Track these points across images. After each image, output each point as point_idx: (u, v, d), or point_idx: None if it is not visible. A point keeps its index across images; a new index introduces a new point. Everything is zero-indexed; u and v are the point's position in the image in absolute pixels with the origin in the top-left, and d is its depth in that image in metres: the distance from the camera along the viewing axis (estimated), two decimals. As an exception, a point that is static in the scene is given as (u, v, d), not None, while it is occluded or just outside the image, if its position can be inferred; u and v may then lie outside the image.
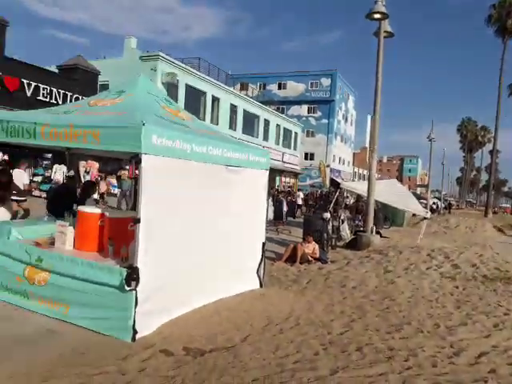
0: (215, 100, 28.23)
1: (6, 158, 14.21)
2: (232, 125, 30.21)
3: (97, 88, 19.46)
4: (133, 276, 4.07)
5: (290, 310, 5.34)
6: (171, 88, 23.77)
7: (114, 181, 16.73)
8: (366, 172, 53.59)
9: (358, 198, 18.13)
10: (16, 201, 8.96)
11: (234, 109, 30.38)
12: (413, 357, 4.07)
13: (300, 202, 23.19)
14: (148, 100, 5.29)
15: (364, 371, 3.70)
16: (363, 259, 9.36)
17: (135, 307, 4.06)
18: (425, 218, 13.88)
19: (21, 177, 9.25)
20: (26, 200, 9.24)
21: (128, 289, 4.05)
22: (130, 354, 3.73)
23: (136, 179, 7.80)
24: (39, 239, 5.11)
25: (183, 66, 25.41)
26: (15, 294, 4.66)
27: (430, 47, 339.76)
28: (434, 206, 39.22)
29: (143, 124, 4.01)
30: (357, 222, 15.64)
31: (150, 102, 5.29)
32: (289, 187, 34.69)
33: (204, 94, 27.21)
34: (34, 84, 16.52)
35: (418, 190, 57.07)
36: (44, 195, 15.54)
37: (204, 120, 26.27)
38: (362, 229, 13.42)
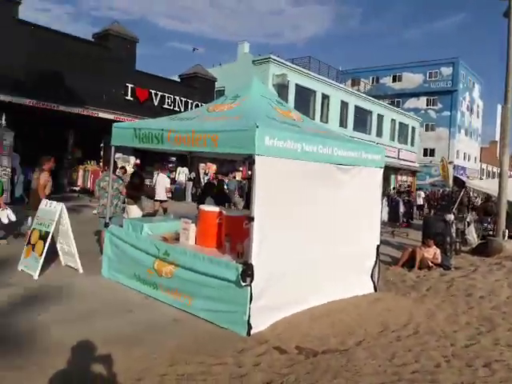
0: (325, 98, 27.97)
1: (137, 161, 16.01)
2: (342, 122, 29.61)
3: (214, 94, 20.75)
4: (248, 272, 4.26)
5: (409, 317, 5.07)
6: (282, 89, 24.23)
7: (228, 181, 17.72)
8: (496, 169, 47.94)
9: (488, 198, 16.32)
10: (159, 201, 10.50)
11: (344, 105, 29.73)
12: (560, 381, 3.58)
13: (421, 202, 21.54)
14: (261, 103, 5.48)
15: (494, 390, 3.38)
16: (493, 266, 8.43)
17: (250, 302, 4.24)
18: None
19: (163, 180, 10.74)
20: (167, 201, 10.63)
21: (243, 284, 4.25)
22: (245, 348, 3.93)
23: (249, 179, 8.24)
24: (166, 234, 5.67)
25: (293, 66, 25.70)
26: (146, 284, 5.25)
27: None
28: None
29: (257, 126, 4.18)
30: (485, 224, 14.10)
31: (263, 104, 5.48)
32: (408, 186, 32.69)
33: (314, 92, 27.15)
34: (160, 94, 18.28)
35: None
36: (169, 195, 17.20)
37: (313, 118, 26.19)
38: (491, 233, 12.09)
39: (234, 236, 5.06)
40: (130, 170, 13.83)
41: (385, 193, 16.39)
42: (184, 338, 4.10)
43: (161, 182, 10.76)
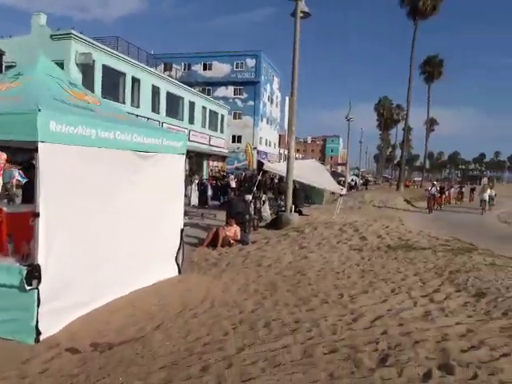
0: (135, 81, 27.01)
1: None
2: (155, 107, 29.19)
3: (2, 69, 17.72)
4: (34, 274, 3.89)
5: (206, 294, 5.43)
6: (87, 69, 22.36)
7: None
8: (291, 152, 54.70)
9: (281, 178, 18.61)
10: None
11: (156, 90, 29.31)
12: (315, 327, 4.31)
13: (234, 185, 23.32)
14: (47, 83, 4.91)
15: (269, 346, 3.86)
16: (281, 237, 9.71)
17: (38, 307, 3.89)
18: (341, 195, 14.66)
19: None
20: None
21: (29, 288, 3.86)
22: (32, 357, 3.59)
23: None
24: None
25: (99, 45, 23.91)
26: None
27: (348, 29, 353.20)
28: (353, 183, 41.61)
29: (39, 110, 3.77)
30: (279, 202, 16.09)
31: (50, 85, 4.92)
32: (223, 171, 34.59)
33: (123, 75, 25.91)
34: None
35: (340, 169, 59.92)
36: None
37: (124, 103, 25.12)
38: (283, 209, 13.85)
39: (19, 235, 4.48)
40: None
41: (195, 178, 17.04)
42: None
43: None
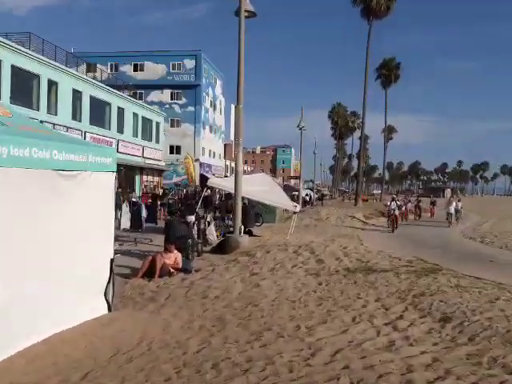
0: (52, 84, 26.13)
1: None
2: (76, 115, 28.33)
3: None
4: None
5: (142, 334, 5.34)
6: (-8, 70, 21.39)
7: None
8: (238, 164, 55.16)
9: (229, 195, 18.69)
10: None
11: (77, 95, 28.49)
12: (270, 365, 4.38)
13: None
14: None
15: (218, 390, 3.91)
16: (229, 264, 9.74)
17: None
18: (294, 213, 14.99)
19: None
20: None
21: None
22: None
23: None
24: None
25: (7, 42, 22.98)
26: None
27: (299, 32, 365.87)
28: (307, 198, 42.64)
29: None
30: (227, 221, 16.08)
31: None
32: (161, 187, 33.98)
33: (37, 77, 25.01)
34: None
35: (293, 182, 61.17)
36: None
37: (38, 109, 24.21)
38: (232, 229, 13.87)
39: None
40: None
41: (132, 196, 16.66)
42: None
43: None
